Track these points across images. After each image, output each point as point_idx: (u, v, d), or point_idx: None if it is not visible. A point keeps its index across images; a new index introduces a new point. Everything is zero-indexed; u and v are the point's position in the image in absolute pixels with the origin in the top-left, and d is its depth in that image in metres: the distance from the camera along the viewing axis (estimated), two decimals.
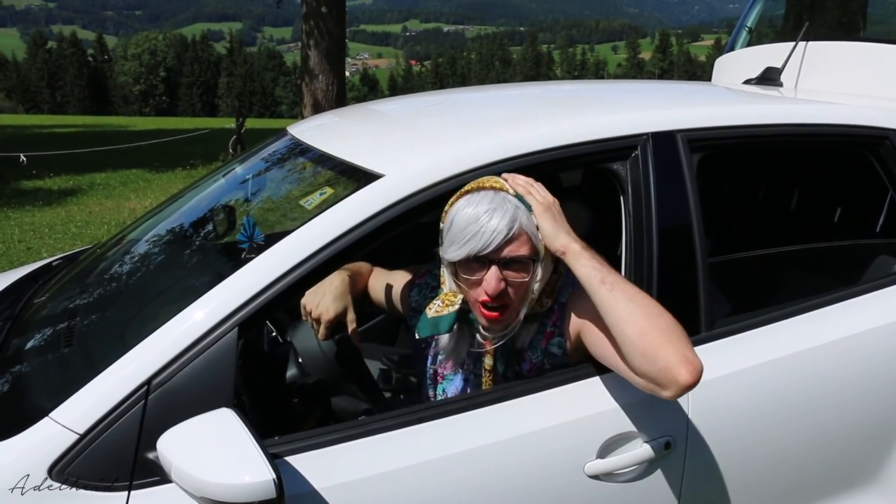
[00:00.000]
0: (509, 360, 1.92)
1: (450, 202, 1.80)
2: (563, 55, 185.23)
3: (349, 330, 2.11)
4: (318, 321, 2.08)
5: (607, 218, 2.32)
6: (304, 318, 2.13)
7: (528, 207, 1.77)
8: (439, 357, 2.04)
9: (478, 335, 1.89)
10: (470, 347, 1.93)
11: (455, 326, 1.86)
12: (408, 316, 2.15)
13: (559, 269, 1.89)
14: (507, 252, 1.73)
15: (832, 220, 3.11)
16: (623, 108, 2.46)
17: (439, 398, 2.03)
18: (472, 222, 1.71)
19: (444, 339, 1.95)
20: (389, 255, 2.36)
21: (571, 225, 1.82)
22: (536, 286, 1.80)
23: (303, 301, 2.10)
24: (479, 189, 1.77)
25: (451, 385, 2.02)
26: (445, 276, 1.87)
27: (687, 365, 1.63)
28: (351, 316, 2.11)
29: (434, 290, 2.08)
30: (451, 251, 1.75)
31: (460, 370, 2.00)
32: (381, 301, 2.28)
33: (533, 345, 1.92)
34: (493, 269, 1.74)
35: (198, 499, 1.47)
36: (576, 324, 1.87)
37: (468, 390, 1.98)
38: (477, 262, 1.75)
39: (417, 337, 1.94)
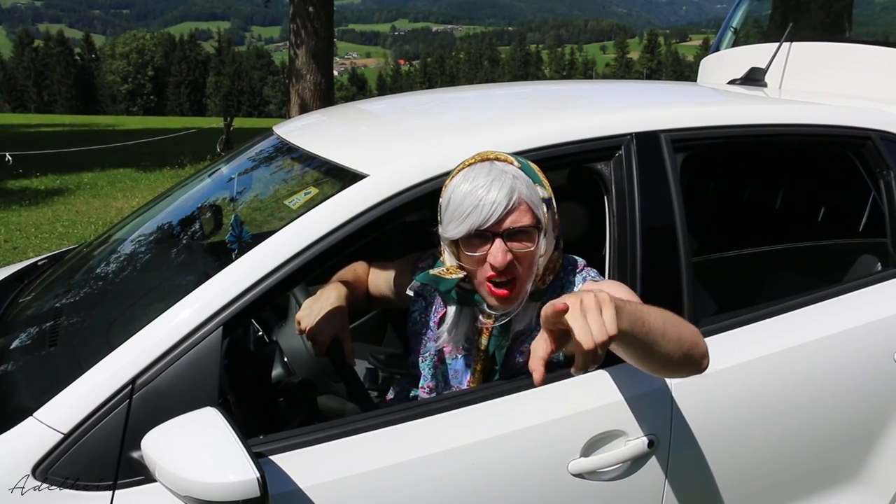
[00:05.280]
0: (501, 341, 1.88)
1: (448, 178, 1.78)
2: (552, 55, 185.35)
3: (345, 351, 2.05)
4: (311, 340, 2.05)
5: (591, 218, 2.33)
6: (296, 332, 2.09)
7: (529, 175, 1.75)
8: (440, 340, 1.98)
9: (480, 316, 1.87)
10: (471, 330, 1.91)
11: (450, 313, 1.88)
12: (412, 301, 2.11)
13: (560, 246, 1.88)
14: (510, 223, 1.70)
15: (816, 220, 3.14)
16: (607, 109, 2.47)
17: (439, 384, 2.02)
18: (470, 195, 1.68)
19: (447, 322, 1.92)
20: (377, 255, 2.36)
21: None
22: (541, 259, 1.78)
23: (297, 316, 2.07)
24: (475, 162, 1.75)
25: (451, 369, 2.00)
26: (445, 254, 1.85)
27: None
28: (346, 335, 2.05)
29: None
30: (452, 228, 1.72)
31: (461, 354, 1.97)
32: (385, 295, 2.25)
33: (532, 336, 1.88)
34: (498, 242, 1.70)
35: (182, 498, 1.47)
36: None
37: (468, 374, 1.96)
38: (479, 238, 1.72)
39: (411, 294, 1.96)
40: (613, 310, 1.45)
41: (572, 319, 1.42)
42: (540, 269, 1.80)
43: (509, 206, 1.69)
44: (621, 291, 1.83)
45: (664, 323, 1.62)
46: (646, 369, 1.74)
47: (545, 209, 1.76)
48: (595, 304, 1.43)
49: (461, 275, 1.80)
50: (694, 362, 1.71)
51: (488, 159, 1.75)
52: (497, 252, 1.71)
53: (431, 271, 1.85)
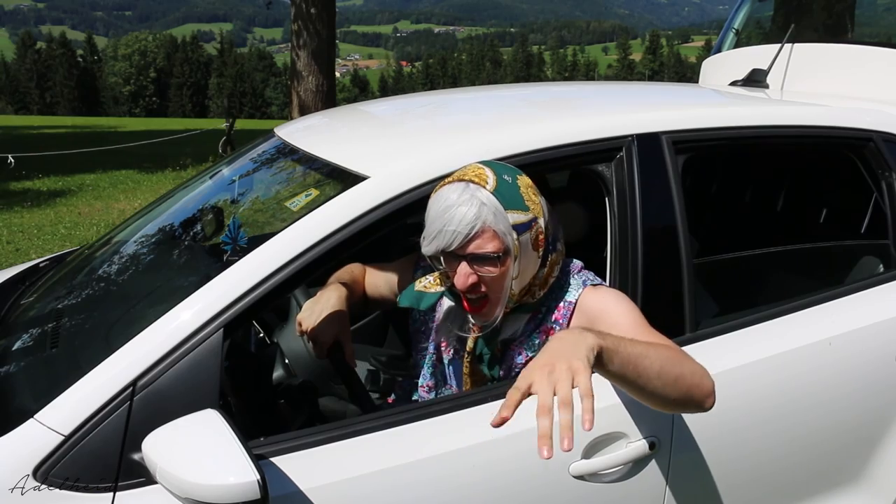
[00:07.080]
0: (490, 346, 1.91)
1: (433, 191, 1.80)
2: (554, 56, 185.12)
3: (346, 352, 2.06)
4: (312, 341, 2.06)
5: (593, 219, 2.33)
6: (297, 333, 2.11)
7: (505, 199, 1.73)
8: (435, 340, 2.03)
9: (470, 316, 1.90)
10: (459, 330, 1.94)
11: (444, 308, 1.93)
12: None
13: (558, 250, 1.88)
14: (473, 248, 1.72)
15: (818, 222, 3.13)
16: (608, 110, 2.47)
17: (438, 382, 2.04)
18: (439, 218, 1.71)
19: (441, 322, 1.97)
20: (377, 257, 2.36)
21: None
22: (514, 282, 1.79)
23: (298, 317, 2.08)
24: (453, 181, 1.76)
25: (448, 369, 2.02)
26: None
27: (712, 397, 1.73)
28: (347, 337, 2.07)
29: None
30: (425, 245, 1.76)
31: (455, 355, 1.99)
32: (385, 296, 2.26)
33: (530, 340, 1.91)
34: (463, 265, 1.75)
35: (182, 500, 1.47)
36: (584, 321, 1.85)
37: (461, 374, 1.97)
38: (449, 255, 1.76)
39: (401, 305, 1.97)
40: (588, 375, 1.38)
41: (539, 388, 1.36)
42: (515, 291, 1.81)
43: (471, 234, 1.71)
44: (621, 302, 1.85)
45: (662, 363, 1.62)
46: (644, 402, 1.74)
47: (515, 236, 1.75)
48: (566, 375, 1.37)
49: (443, 288, 1.87)
50: (694, 402, 1.71)
51: (464, 180, 1.75)
52: (460, 274, 1.75)
53: (416, 287, 1.91)
